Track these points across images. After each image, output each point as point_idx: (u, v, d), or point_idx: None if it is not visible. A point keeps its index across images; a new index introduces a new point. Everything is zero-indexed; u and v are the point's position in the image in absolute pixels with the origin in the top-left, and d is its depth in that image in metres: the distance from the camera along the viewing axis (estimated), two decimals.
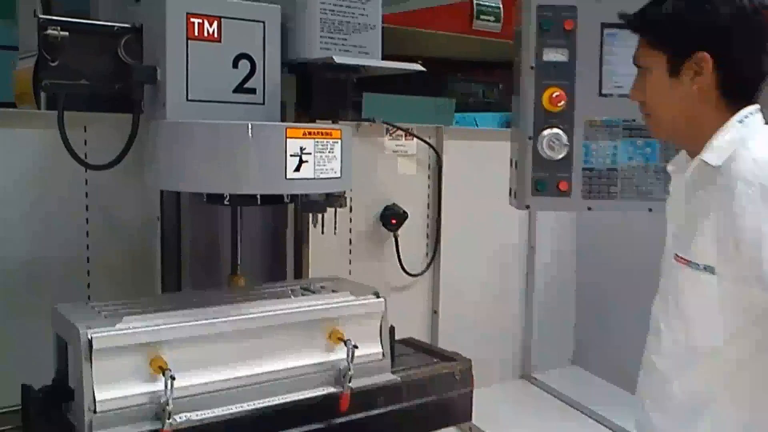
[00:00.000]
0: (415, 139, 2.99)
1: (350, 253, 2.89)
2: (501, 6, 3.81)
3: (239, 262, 2.33)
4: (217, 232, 2.44)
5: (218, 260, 2.46)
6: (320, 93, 2.05)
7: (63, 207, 2.22)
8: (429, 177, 3.08)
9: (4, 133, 2.13)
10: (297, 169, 1.76)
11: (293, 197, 1.89)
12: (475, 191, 3.17)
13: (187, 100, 1.78)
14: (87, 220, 2.26)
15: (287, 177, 1.74)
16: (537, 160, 2.13)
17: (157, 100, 1.79)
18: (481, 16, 3.94)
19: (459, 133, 3.17)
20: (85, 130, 2.22)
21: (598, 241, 3.48)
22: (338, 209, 2.15)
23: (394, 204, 2.93)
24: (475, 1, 3.71)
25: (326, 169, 1.82)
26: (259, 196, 1.82)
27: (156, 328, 1.71)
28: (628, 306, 3.04)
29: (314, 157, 1.78)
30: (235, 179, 1.72)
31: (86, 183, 2.25)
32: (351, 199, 2.82)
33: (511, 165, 2.26)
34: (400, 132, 2.95)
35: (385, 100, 3.10)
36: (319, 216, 2.08)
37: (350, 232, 2.88)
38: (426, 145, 3.03)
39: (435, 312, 3.15)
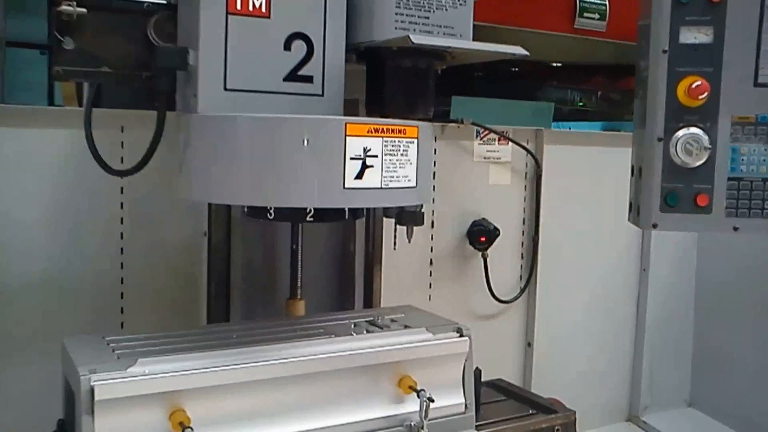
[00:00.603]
0: (510, 143, 2.55)
1: (431, 275, 2.48)
2: (607, 3, 3.34)
3: (299, 285, 1.96)
4: (274, 250, 2.09)
5: (275, 283, 2.10)
6: (395, 85, 1.62)
7: (95, 220, 1.91)
8: (525, 188, 2.64)
9: (26, 134, 1.82)
10: (359, 176, 1.37)
11: (354, 211, 1.51)
12: (580, 205, 2.72)
13: (225, 89, 1.42)
14: (122, 234, 1.94)
15: (346, 186, 1.36)
16: (669, 167, 1.67)
17: (188, 90, 1.44)
18: (585, 14, 3.48)
19: (562, 136, 2.71)
20: (123, 131, 1.90)
21: (724, 266, 2.94)
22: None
23: (483, 219, 2.51)
24: None
25: (397, 177, 1.42)
26: (311, 211, 1.45)
27: (178, 374, 1.35)
28: (756, 343, 2.52)
29: (382, 161, 1.39)
30: (279, 189, 1.35)
31: (122, 192, 1.92)
32: (433, 213, 2.43)
33: (632, 174, 1.80)
34: (492, 135, 2.53)
35: (475, 104, 2.68)
36: (399, 231, 1.70)
37: (431, 251, 2.47)
38: (522, 151, 2.59)
39: (529, 345, 2.70)
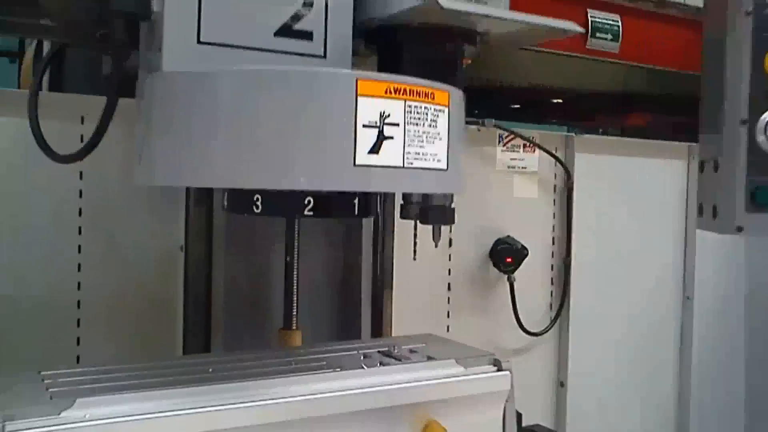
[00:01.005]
0: (536, 150, 2.23)
1: (448, 302, 2.12)
2: (620, 24, 3.08)
3: (295, 312, 1.61)
4: (264, 268, 1.73)
5: (266, 309, 1.74)
6: (415, 70, 1.27)
7: (45, 230, 1.56)
8: (555, 202, 2.30)
9: None
10: (374, 150, 1.03)
11: (365, 204, 1.17)
12: (618, 222, 2.38)
13: (199, 42, 1.09)
14: (79, 248, 1.59)
15: (357, 163, 1.02)
16: (756, 156, 1.34)
17: (151, 45, 1.11)
18: (597, 34, 3.21)
19: (595, 144, 2.38)
20: (83, 122, 1.57)
21: None
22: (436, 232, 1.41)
23: (508, 237, 2.16)
24: (590, 17, 3.00)
25: (424, 155, 1.08)
26: (309, 202, 1.11)
27: (129, 419, 0.99)
28: None
29: (405, 131, 1.05)
30: (268, 166, 1.00)
31: (80, 195, 1.58)
32: (450, 229, 2.08)
33: (700, 169, 1.47)
34: (517, 141, 2.20)
35: None
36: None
37: (449, 273, 2.12)
38: (550, 160, 2.27)
39: (562, 385, 2.33)
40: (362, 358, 1.35)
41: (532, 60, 2.39)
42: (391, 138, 1.04)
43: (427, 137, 1.08)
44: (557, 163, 2.28)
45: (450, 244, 2.11)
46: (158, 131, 1.06)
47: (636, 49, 2.63)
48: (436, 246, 1.36)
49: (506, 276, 2.15)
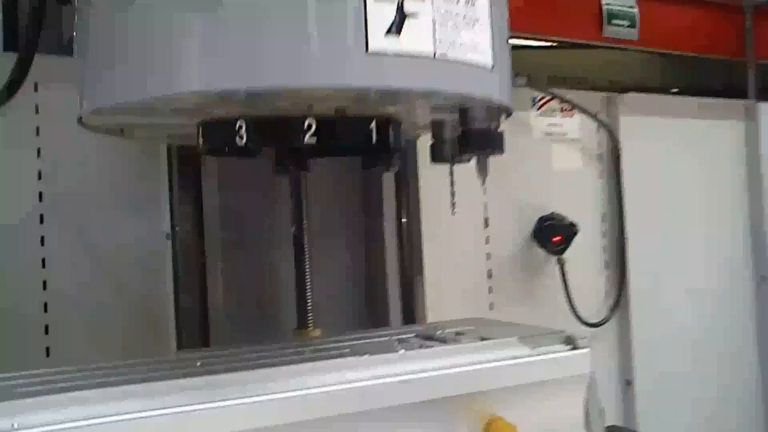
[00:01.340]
0: (575, 113, 1.94)
1: (490, 292, 1.82)
2: (637, 9, 2.83)
3: (310, 307, 1.32)
4: (269, 255, 1.45)
5: (275, 306, 1.46)
6: None
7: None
8: (601, 173, 2.01)
9: None
10: (393, 31, 0.75)
11: (385, 136, 0.90)
12: (675, 194, 2.08)
13: None
14: (42, 239, 1.31)
15: (370, 49, 0.74)
16: None
17: None
18: (613, 21, 2.96)
19: (642, 104, 2.08)
20: (36, 89, 1.31)
21: None
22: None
23: (553, 214, 1.86)
24: (603, 2, 2.75)
25: (461, 43, 0.80)
26: (311, 126, 0.84)
27: (70, 427, 0.70)
28: None
29: (434, 7, 0.78)
30: (248, 59, 0.73)
31: (39, 177, 1.31)
32: (485, 206, 1.80)
33: None
34: (553, 104, 1.92)
35: None
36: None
37: (487, 258, 1.82)
38: (592, 124, 1.98)
39: (629, 383, 2.00)
40: (397, 343, 1.05)
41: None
42: (415, 16, 0.76)
43: (464, 20, 0.80)
44: (600, 128, 1.99)
45: (486, 225, 1.82)
46: (99, 29, 0.79)
47: (656, 34, 2.37)
48: (482, 183, 1.07)
49: (555, 258, 1.85)
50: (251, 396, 0.79)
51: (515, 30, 2.15)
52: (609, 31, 2.93)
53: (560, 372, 1.04)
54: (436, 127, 1.04)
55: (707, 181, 2.14)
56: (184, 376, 0.82)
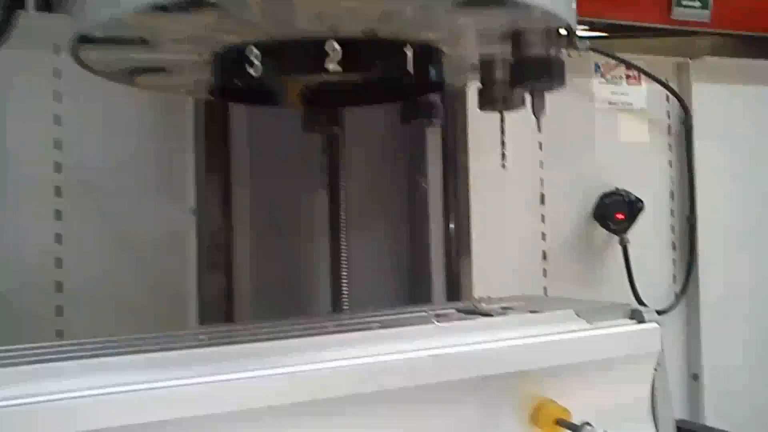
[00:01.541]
0: (643, 82, 1.79)
1: (545, 275, 1.69)
2: None
3: (346, 290, 1.23)
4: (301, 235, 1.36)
5: (307, 290, 1.36)
6: None
7: (14, 191, 1.22)
8: (670, 147, 1.85)
9: None
10: None
11: (426, 61, 0.78)
12: (752, 171, 1.90)
13: None
14: (59, 214, 1.24)
15: None
16: None
17: None
18: (682, 2, 2.76)
19: (719, 69, 1.90)
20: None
21: None
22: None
23: (617, 189, 1.72)
24: None
25: None
26: (335, 49, 0.73)
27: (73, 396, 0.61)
28: None
29: None
30: None
31: (58, 147, 1.24)
32: (542, 182, 1.67)
33: None
34: (619, 71, 1.77)
35: None
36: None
37: (543, 239, 1.69)
38: (661, 93, 1.82)
39: (695, 378, 1.85)
40: (435, 317, 0.94)
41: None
42: None
43: None
44: (670, 97, 1.83)
45: (542, 201, 1.69)
46: None
47: (728, 17, 2.18)
48: (537, 120, 0.94)
49: (618, 238, 1.71)
50: (241, 372, 0.69)
51: (581, 14, 2.01)
52: (678, 13, 2.75)
53: (624, 349, 0.91)
54: (485, 68, 0.92)
55: None
56: (177, 349, 0.72)
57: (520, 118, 1.61)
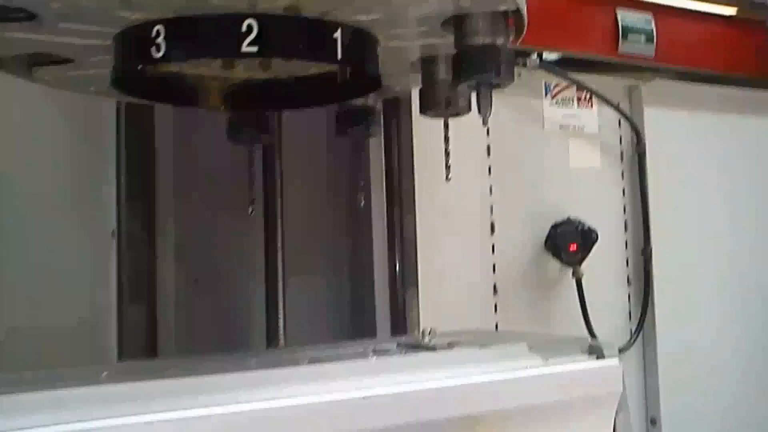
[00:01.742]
0: (595, 105, 1.70)
1: (495, 310, 1.56)
2: (654, 24, 2.64)
3: (281, 322, 1.08)
4: (231, 259, 1.19)
5: (238, 325, 1.19)
6: None
7: None
8: (623, 174, 1.76)
9: None
10: None
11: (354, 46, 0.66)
12: (708, 200, 1.83)
13: None
14: None
15: None
16: None
17: None
18: (629, 36, 2.76)
19: (670, 94, 1.84)
20: None
21: None
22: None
23: (569, 219, 1.61)
24: (619, 18, 2.57)
25: None
26: (251, 28, 0.59)
27: None
28: None
29: None
30: None
31: None
32: (491, 209, 1.55)
33: None
34: (569, 92, 1.68)
35: None
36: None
37: (493, 271, 1.56)
38: (612, 117, 1.74)
39: (653, 422, 1.73)
40: (372, 353, 0.79)
41: None
42: None
43: None
44: (622, 122, 1.75)
45: (492, 231, 1.56)
46: None
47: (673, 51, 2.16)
48: (484, 122, 0.82)
49: (571, 270, 1.59)
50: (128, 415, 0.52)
51: (526, 44, 1.94)
52: (624, 48, 2.73)
53: (583, 389, 0.78)
54: (426, 65, 0.79)
55: (745, 186, 1.89)
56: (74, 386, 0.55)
57: (468, 141, 1.51)
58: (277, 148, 1.09)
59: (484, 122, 0.82)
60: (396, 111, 1.26)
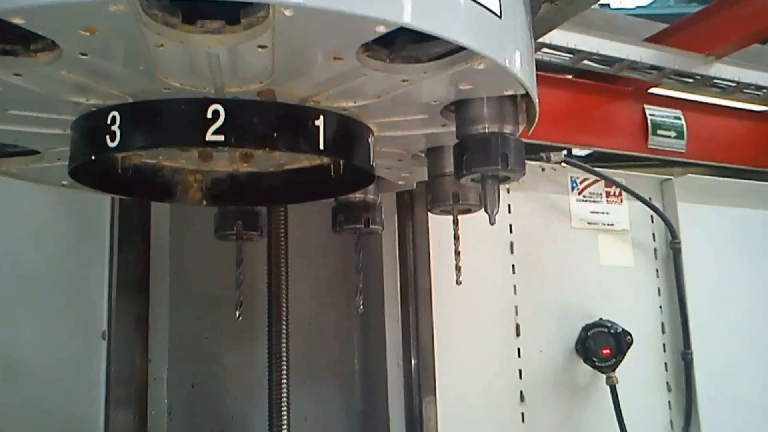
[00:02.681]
0: (625, 200, 1.67)
1: (522, 419, 1.48)
2: (684, 120, 2.67)
3: (285, 429, 1.03)
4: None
5: (241, 429, 1.15)
6: None
7: None
8: (657, 272, 1.70)
9: None
10: None
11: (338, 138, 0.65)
12: (750, 296, 1.75)
13: None
14: None
15: None
16: None
17: None
18: (658, 131, 2.79)
19: (705, 189, 1.80)
20: None
21: None
22: None
23: (600, 320, 1.55)
24: (648, 113, 2.60)
25: None
26: (217, 114, 0.57)
27: None
28: None
29: None
30: None
31: None
32: (516, 310, 1.51)
33: None
34: (596, 187, 1.65)
35: None
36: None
37: (519, 377, 1.50)
38: (644, 212, 1.70)
39: None
40: None
41: None
42: None
43: None
44: (655, 217, 1.70)
45: (518, 333, 1.50)
46: None
47: (704, 145, 2.19)
48: (491, 221, 0.76)
49: (604, 375, 1.52)
50: None
51: (555, 141, 1.95)
52: (654, 142, 2.73)
53: None
54: (431, 157, 0.76)
55: None
56: None
57: (489, 238, 1.47)
58: (283, 245, 1.07)
59: (491, 221, 0.78)
60: (410, 204, 1.24)
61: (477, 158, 0.72)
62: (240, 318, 0.96)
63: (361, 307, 1.06)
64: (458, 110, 0.72)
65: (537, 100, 0.75)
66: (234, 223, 0.95)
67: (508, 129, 0.73)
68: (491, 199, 0.76)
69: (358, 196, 0.99)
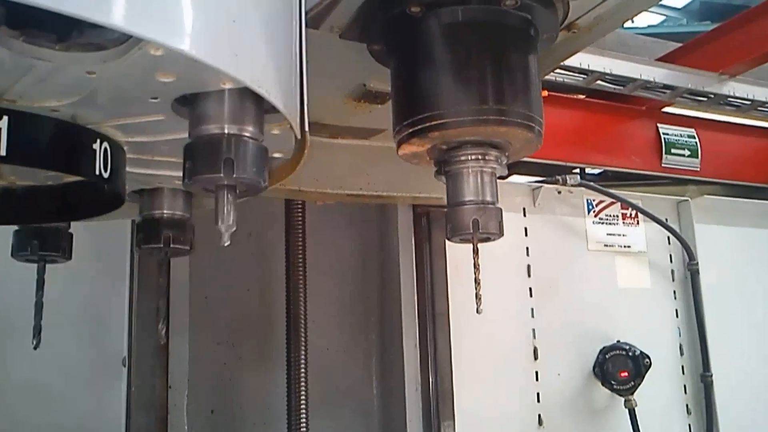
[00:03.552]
0: (641, 222, 1.69)
1: None
2: (698, 138, 2.71)
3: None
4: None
5: None
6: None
7: None
8: (675, 293, 1.72)
9: None
10: None
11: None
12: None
13: None
14: None
15: None
16: None
17: None
18: (672, 150, 2.82)
19: (722, 210, 1.82)
20: None
21: None
22: None
23: (618, 342, 1.57)
24: (662, 132, 2.64)
25: None
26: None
27: None
28: None
29: None
30: None
31: None
32: (534, 333, 1.53)
33: None
34: (613, 209, 1.67)
35: None
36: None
37: (537, 400, 1.51)
38: (661, 234, 1.72)
39: None
40: None
41: None
42: None
43: None
44: (672, 239, 1.73)
45: (535, 356, 1.52)
46: None
47: (719, 164, 2.22)
48: (222, 241, 0.68)
49: (622, 399, 1.53)
50: None
51: (569, 161, 1.97)
52: (668, 161, 2.75)
53: None
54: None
55: None
56: None
57: (507, 261, 1.50)
58: (301, 271, 1.10)
59: (223, 239, 0.68)
60: (427, 227, 1.27)
61: (199, 165, 0.64)
62: (36, 348, 0.91)
63: (164, 337, 1.02)
64: (190, 109, 0.65)
65: (274, 97, 0.62)
66: (30, 243, 0.90)
67: (247, 132, 0.65)
68: (220, 211, 0.67)
69: (165, 212, 0.90)
